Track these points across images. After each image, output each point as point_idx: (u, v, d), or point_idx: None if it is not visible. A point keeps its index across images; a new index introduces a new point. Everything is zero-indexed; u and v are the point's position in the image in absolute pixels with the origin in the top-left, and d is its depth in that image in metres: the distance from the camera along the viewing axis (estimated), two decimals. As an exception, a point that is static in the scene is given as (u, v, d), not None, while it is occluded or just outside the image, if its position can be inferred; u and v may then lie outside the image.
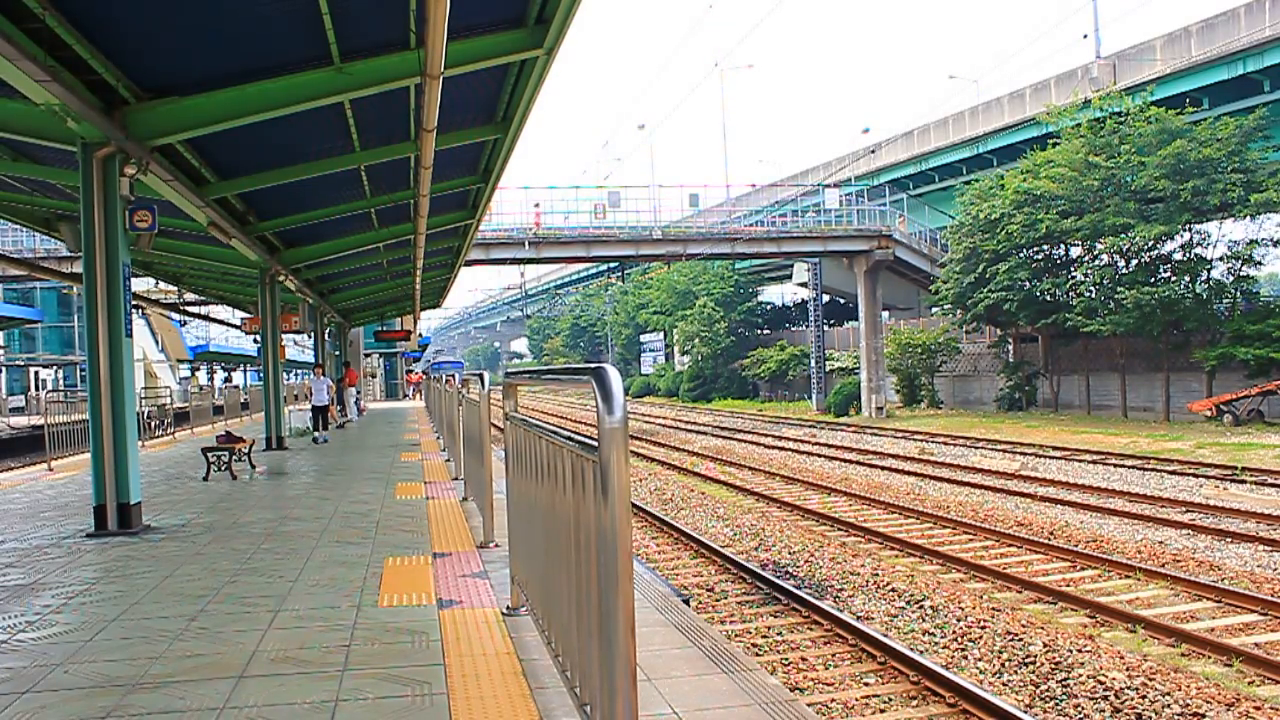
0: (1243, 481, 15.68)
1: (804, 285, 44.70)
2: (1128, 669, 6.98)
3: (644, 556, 11.63)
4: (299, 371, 59.11)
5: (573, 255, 36.83)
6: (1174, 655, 7.51)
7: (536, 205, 35.78)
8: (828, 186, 40.33)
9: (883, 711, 6.45)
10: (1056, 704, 6.60)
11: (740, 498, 16.62)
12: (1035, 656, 7.39)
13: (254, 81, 7.59)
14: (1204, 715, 6.20)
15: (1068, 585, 9.71)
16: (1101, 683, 6.75)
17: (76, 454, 13.88)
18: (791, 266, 45.89)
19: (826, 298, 46.84)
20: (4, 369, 49.03)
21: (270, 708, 3.44)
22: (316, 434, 17.29)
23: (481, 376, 6.06)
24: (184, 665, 3.98)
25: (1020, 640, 7.77)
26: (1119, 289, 26.64)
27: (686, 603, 5.56)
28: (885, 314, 43.43)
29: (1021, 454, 21.17)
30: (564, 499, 2.82)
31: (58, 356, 50.61)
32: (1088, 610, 8.78)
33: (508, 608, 4.61)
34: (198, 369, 59.80)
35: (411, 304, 29.70)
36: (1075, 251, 30.28)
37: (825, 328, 43.33)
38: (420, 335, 49.11)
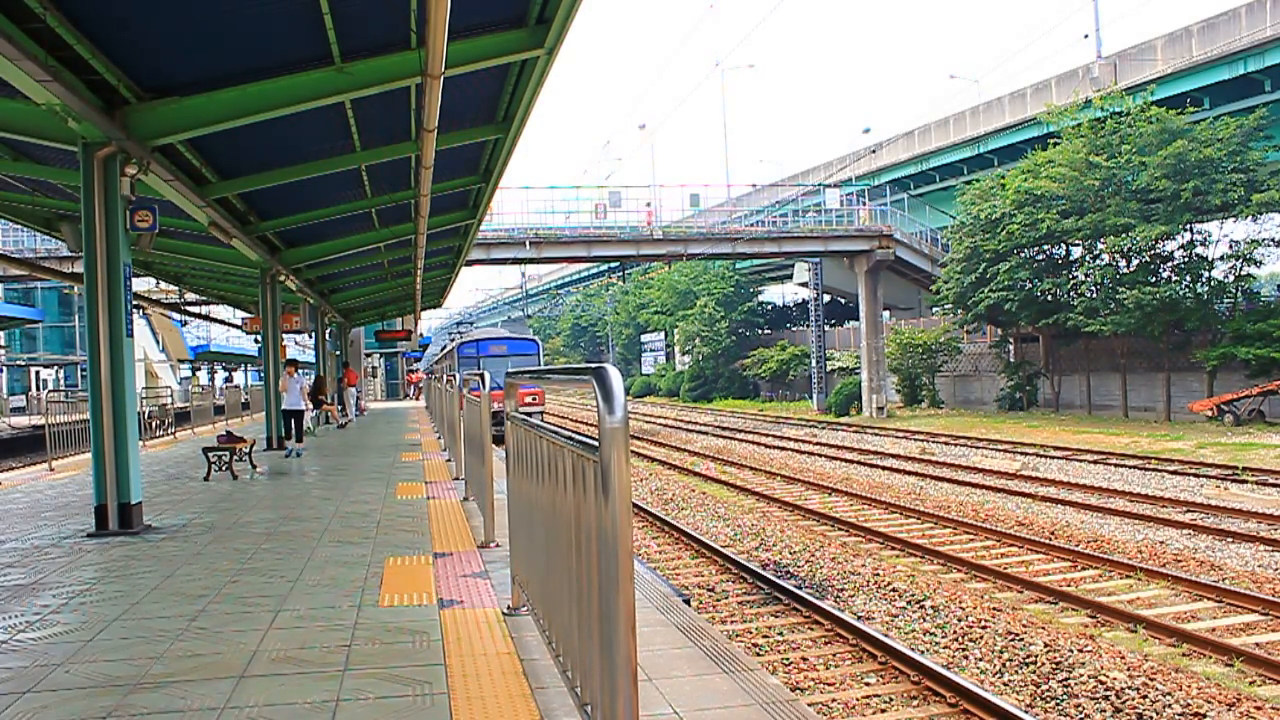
0: (1244, 481, 15.67)
1: (805, 285, 44.68)
2: (1129, 669, 6.98)
3: (644, 556, 11.63)
4: (299, 371, 59.00)
5: (573, 255, 36.81)
6: (1175, 655, 7.50)
7: (649, 205, 35.90)
8: (828, 186, 40.32)
9: (883, 711, 6.45)
10: (1057, 704, 6.60)
11: (741, 498, 16.62)
12: (1036, 656, 7.38)
13: (255, 81, 7.59)
14: (1205, 715, 6.19)
15: (1069, 585, 9.71)
16: (1102, 683, 6.75)
17: (77, 454, 13.88)
18: (792, 266, 45.85)
19: (827, 298, 46.85)
20: (5, 369, 49.07)
21: (271, 708, 3.44)
22: (288, 445, 14.50)
23: (482, 377, 6.05)
24: (184, 665, 3.98)
25: (1021, 640, 7.77)
26: (1120, 289, 26.63)
27: (687, 603, 5.55)
28: (886, 314, 43.42)
29: (1022, 454, 21.16)
30: (565, 499, 2.82)
31: (59, 356, 50.64)
32: (1089, 610, 8.77)
33: (508, 607, 4.61)
34: (198, 369, 59.86)
35: (412, 304, 29.70)
36: (1076, 251, 30.26)
37: (826, 328, 43.32)
38: (421, 335, 49.00)
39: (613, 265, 46.98)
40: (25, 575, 5.92)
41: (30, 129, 7.62)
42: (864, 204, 37.91)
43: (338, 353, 27.96)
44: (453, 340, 40.09)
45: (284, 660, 4.00)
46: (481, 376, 6.09)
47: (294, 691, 3.61)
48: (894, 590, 9.59)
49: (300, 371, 16.24)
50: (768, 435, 29.29)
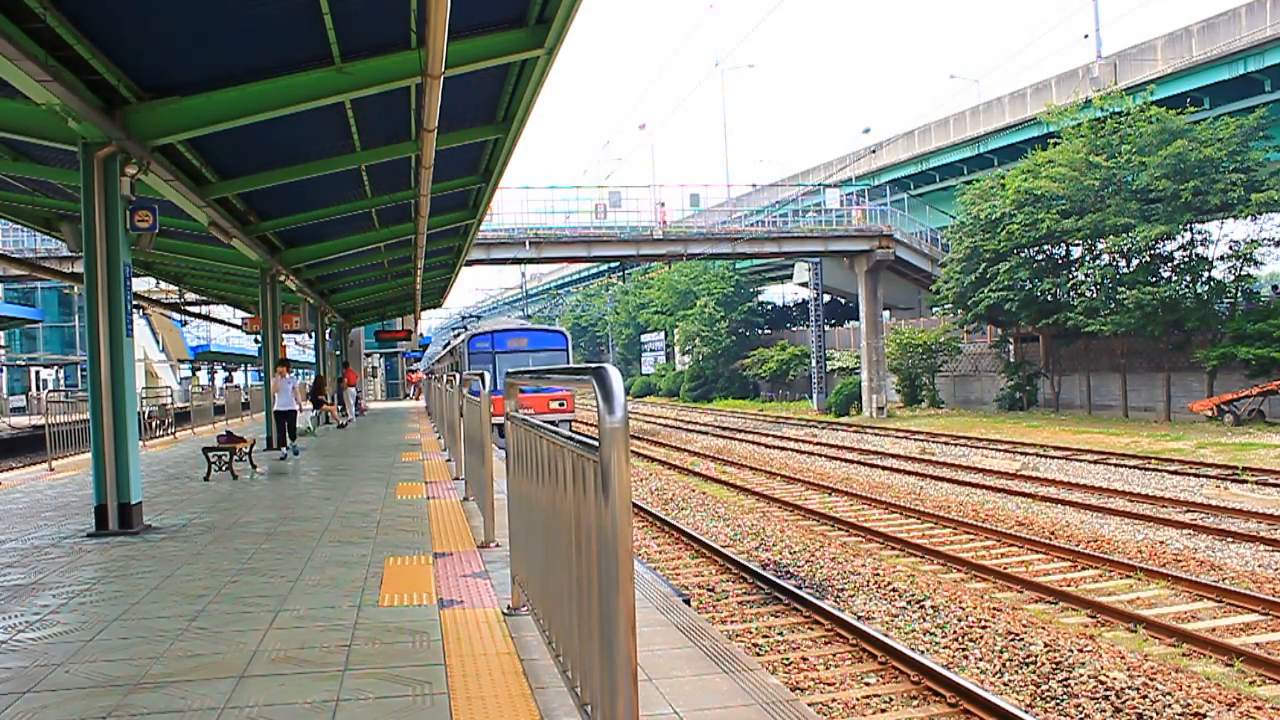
0: (1244, 481, 15.67)
1: (805, 285, 44.69)
2: (1129, 669, 6.98)
3: (644, 556, 11.63)
4: (299, 371, 59.12)
5: (573, 255, 36.80)
6: (1175, 655, 7.50)
7: (662, 204, 35.76)
8: (828, 186, 40.32)
9: (883, 711, 6.45)
10: (1057, 704, 6.60)
11: (741, 498, 16.62)
12: (1036, 656, 7.38)
13: (255, 81, 7.59)
14: (1205, 715, 6.19)
15: (1069, 585, 9.71)
16: (1102, 683, 6.75)
17: (77, 454, 13.88)
18: (792, 266, 45.88)
19: (827, 298, 46.86)
20: (5, 369, 49.07)
21: (270, 708, 3.44)
22: (285, 447, 14.05)
23: (482, 376, 6.04)
24: (184, 665, 3.98)
25: (1021, 640, 7.76)
26: (1120, 289, 26.63)
27: (687, 602, 5.55)
28: (886, 314, 43.43)
29: (1022, 454, 21.16)
30: (565, 499, 2.82)
31: (59, 356, 50.66)
32: (1089, 610, 8.77)
33: (508, 607, 4.61)
34: (198, 369, 59.89)
35: (412, 304, 29.71)
36: (1076, 251, 30.27)
37: (826, 328, 43.31)
38: (421, 335, 48.97)
39: (613, 265, 46.92)
40: (25, 575, 5.92)
41: (30, 129, 7.62)
42: (858, 204, 37.95)
43: (338, 353, 27.97)
44: (457, 336, 33.98)
45: (284, 660, 4.00)
46: (481, 376, 6.06)
47: (294, 691, 3.61)
48: (894, 590, 9.59)
49: (296, 372, 16.00)
50: (768, 435, 29.29)
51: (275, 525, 7.64)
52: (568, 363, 23.72)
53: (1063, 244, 29.73)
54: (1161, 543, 11.64)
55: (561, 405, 23.68)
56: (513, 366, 21.91)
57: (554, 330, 26.77)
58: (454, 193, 13.70)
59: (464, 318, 57.21)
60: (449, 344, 38.97)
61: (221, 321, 36.77)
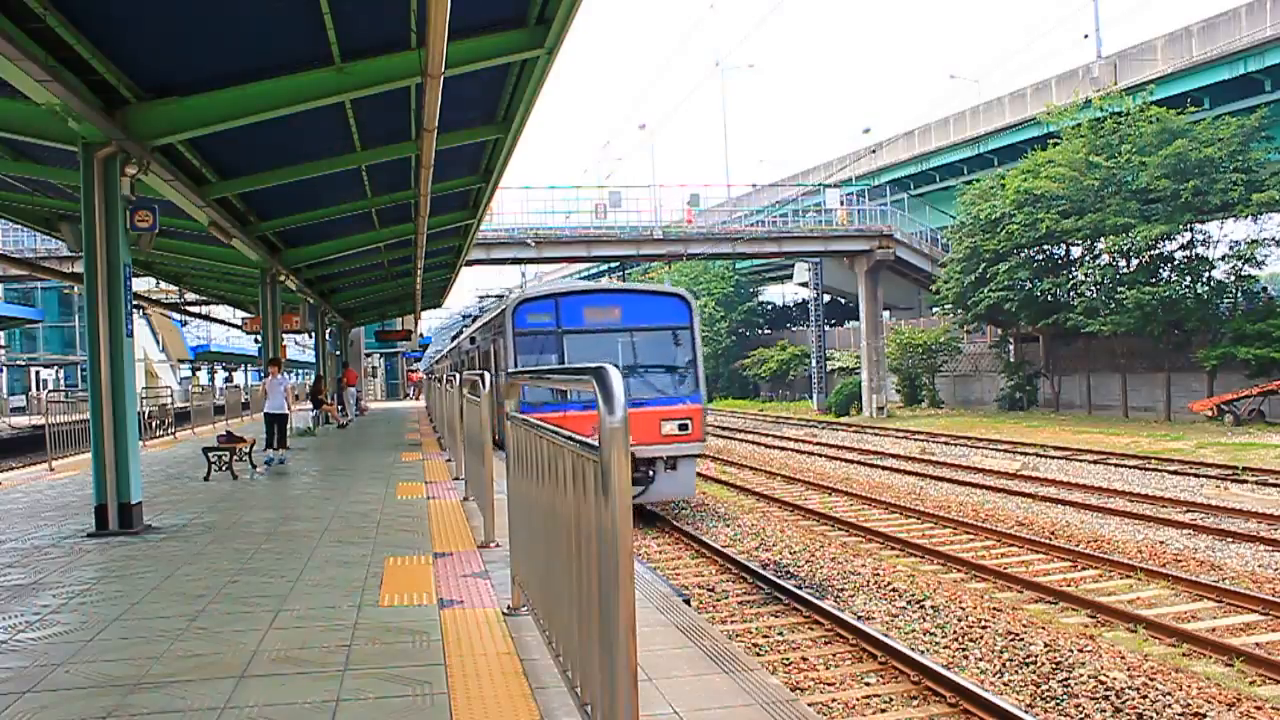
0: (1244, 481, 15.66)
1: (805, 285, 44.69)
2: (1129, 669, 6.98)
3: (644, 556, 11.63)
4: (299, 371, 59.19)
5: (573, 255, 36.79)
6: (1175, 655, 7.50)
7: (688, 203, 35.34)
8: (828, 186, 40.31)
9: (883, 711, 6.45)
10: (1057, 704, 6.60)
11: (741, 497, 16.61)
12: (1036, 656, 7.38)
13: (255, 81, 7.60)
14: (1205, 715, 6.19)
15: (1069, 585, 9.70)
16: (1103, 683, 6.75)
17: (77, 454, 13.88)
18: (792, 266, 45.86)
19: (827, 298, 46.84)
20: (5, 369, 49.08)
21: (271, 707, 3.44)
22: (269, 453, 12.60)
23: (482, 376, 6.03)
24: (185, 665, 3.98)
25: (1021, 640, 7.76)
26: (1120, 289, 26.63)
27: (687, 602, 5.55)
28: (886, 314, 43.43)
29: (1022, 454, 21.15)
30: (565, 499, 2.82)
31: (59, 356, 50.69)
32: (1089, 610, 8.77)
33: (508, 608, 4.61)
34: (198, 369, 59.92)
35: (412, 304, 29.71)
36: (1076, 251, 30.28)
37: (826, 328, 43.31)
38: (421, 335, 48.94)
39: (613, 265, 46.89)
40: (25, 575, 5.92)
41: (30, 129, 7.63)
42: (843, 204, 37.89)
43: (338, 353, 27.97)
44: (473, 322, 23.60)
45: (284, 660, 4.00)
46: (481, 376, 6.02)
47: (294, 691, 3.61)
48: (894, 590, 9.59)
49: (290, 372, 15.74)
50: (768, 435, 29.29)
51: (275, 525, 7.64)
52: (693, 347, 14.38)
53: (1062, 244, 29.73)
54: (1161, 543, 11.64)
55: (685, 429, 13.35)
56: (596, 356, 13.36)
57: (668, 293, 15.07)
58: (454, 193, 13.70)
59: (482, 298, 37.54)
60: (462, 333, 28.21)
61: (221, 321, 36.81)
